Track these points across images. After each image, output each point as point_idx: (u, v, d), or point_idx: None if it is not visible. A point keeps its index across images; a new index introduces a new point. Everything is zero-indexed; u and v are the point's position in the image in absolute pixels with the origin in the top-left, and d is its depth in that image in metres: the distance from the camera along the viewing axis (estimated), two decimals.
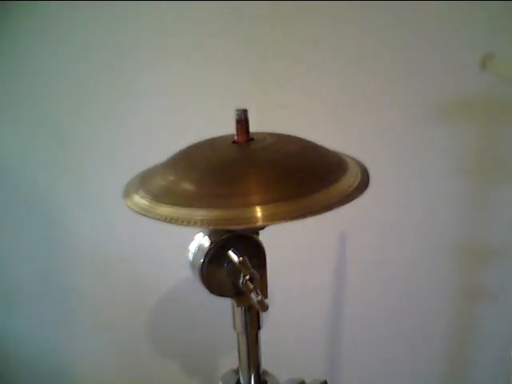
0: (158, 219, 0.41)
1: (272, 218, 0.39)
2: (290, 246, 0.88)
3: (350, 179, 0.45)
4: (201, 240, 0.47)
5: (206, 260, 0.46)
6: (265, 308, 0.44)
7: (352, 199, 0.42)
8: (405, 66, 0.79)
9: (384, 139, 0.83)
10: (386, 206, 0.87)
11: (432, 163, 0.84)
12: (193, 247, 0.48)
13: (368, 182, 0.46)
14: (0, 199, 0.90)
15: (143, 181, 0.48)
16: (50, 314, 0.97)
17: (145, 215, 0.43)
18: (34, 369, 1.01)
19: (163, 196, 0.43)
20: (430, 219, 0.87)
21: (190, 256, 0.48)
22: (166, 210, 0.41)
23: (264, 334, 0.54)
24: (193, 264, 0.48)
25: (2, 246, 0.93)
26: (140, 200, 0.45)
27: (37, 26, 0.81)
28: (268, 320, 0.54)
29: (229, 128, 0.48)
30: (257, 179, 0.42)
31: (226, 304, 0.52)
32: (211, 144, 0.49)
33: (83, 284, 0.95)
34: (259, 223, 0.39)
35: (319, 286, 0.93)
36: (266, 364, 0.56)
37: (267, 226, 0.43)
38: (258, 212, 0.39)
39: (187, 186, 0.44)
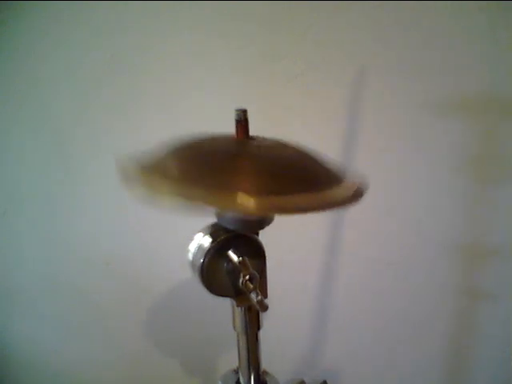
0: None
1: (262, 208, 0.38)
2: (290, 246, 0.88)
3: (344, 190, 0.44)
4: (201, 240, 0.47)
5: (206, 260, 0.46)
6: (265, 308, 0.44)
7: (347, 203, 0.42)
8: (405, 66, 0.79)
9: (384, 139, 0.83)
10: (386, 206, 0.87)
11: (432, 163, 0.84)
12: (192, 247, 0.48)
13: (361, 197, 0.45)
14: (0, 199, 0.90)
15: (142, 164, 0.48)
16: (50, 314, 0.97)
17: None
18: (34, 369, 1.01)
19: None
20: (430, 219, 0.87)
21: (190, 256, 0.48)
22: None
23: (264, 334, 0.54)
24: (193, 264, 0.48)
25: (2, 246, 0.93)
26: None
27: (37, 25, 0.81)
28: (268, 320, 0.54)
29: (229, 128, 0.48)
30: (248, 170, 0.42)
31: (225, 304, 0.52)
32: (210, 137, 0.49)
33: (83, 284, 0.95)
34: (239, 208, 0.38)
35: (319, 286, 0.93)
36: (265, 364, 0.56)
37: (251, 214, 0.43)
38: (240, 199, 0.38)
39: (174, 167, 0.44)
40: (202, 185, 0.39)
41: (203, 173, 0.41)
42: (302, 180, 0.43)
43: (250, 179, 0.41)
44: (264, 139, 0.48)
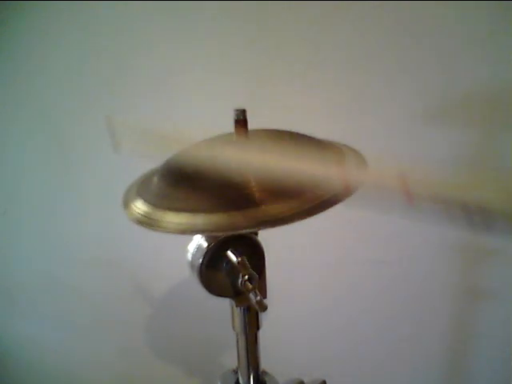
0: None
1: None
2: (289, 245, 0.88)
3: (346, 172, 0.45)
4: (199, 240, 0.47)
5: (205, 260, 0.46)
6: (264, 308, 0.44)
7: (350, 194, 0.42)
8: (405, 66, 0.79)
9: (384, 139, 0.83)
10: (386, 206, 0.86)
11: (432, 163, 0.84)
12: (191, 247, 0.48)
13: (364, 173, 0.45)
14: (0, 199, 0.90)
15: (140, 187, 0.48)
16: (50, 314, 0.97)
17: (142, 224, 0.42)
18: (34, 369, 1.01)
19: (159, 201, 0.43)
20: (430, 219, 0.87)
21: (189, 256, 0.48)
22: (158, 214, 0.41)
23: (263, 334, 0.54)
24: (191, 264, 0.48)
25: (2, 246, 0.93)
26: (138, 205, 0.45)
27: (37, 25, 0.81)
28: (267, 320, 0.54)
29: (228, 128, 0.48)
30: (248, 180, 0.42)
31: (225, 304, 0.52)
32: (206, 144, 0.49)
33: (83, 284, 0.95)
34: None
35: (318, 286, 0.93)
36: (265, 364, 0.56)
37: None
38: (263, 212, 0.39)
39: (167, 189, 0.44)
40: (218, 209, 0.39)
41: (212, 194, 0.41)
42: (306, 175, 0.43)
43: (261, 190, 0.40)
44: (260, 135, 0.48)
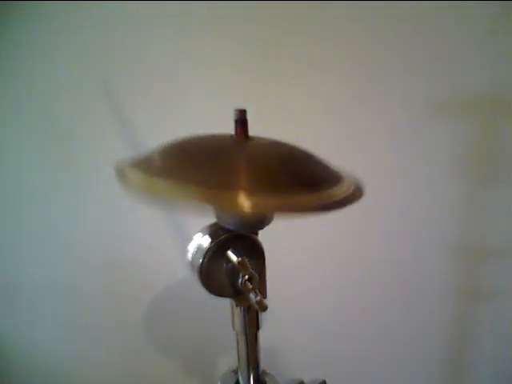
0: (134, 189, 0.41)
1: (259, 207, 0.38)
2: (289, 246, 0.88)
3: (343, 189, 0.44)
4: (200, 240, 0.47)
5: (205, 260, 0.46)
6: (263, 308, 0.44)
7: (344, 205, 0.41)
8: (405, 66, 0.79)
9: (384, 139, 0.83)
10: (386, 206, 0.86)
11: (432, 163, 0.84)
12: (192, 247, 0.48)
13: (361, 195, 0.45)
14: (0, 199, 0.90)
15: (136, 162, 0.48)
16: (50, 314, 0.97)
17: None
18: (34, 369, 1.01)
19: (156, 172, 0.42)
20: (430, 219, 0.87)
21: (189, 256, 0.48)
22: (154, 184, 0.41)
23: (263, 334, 0.54)
24: (192, 264, 0.48)
25: (2, 246, 0.93)
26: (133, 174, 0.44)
27: (37, 25, 0.81)
28: (267, 320, 0.54)
29: (228, 128, 0.48)
30: (246, 170, 0.41)
31: (225, 304, 0.52)
32: (208, 136, 0.49)
33: (83, 284, 0.95)
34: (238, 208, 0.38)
35: (319, 286, 0.93)
36: (265, 364, 0.56)
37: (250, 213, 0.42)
38: (242, 198, 0.38)
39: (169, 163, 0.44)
40: (200, 183, 0.38)
41: (201, 171, 0.41)
42: (302, 179, 0.43)
43: (250, 178, 0.40)
44: (262, 139, 0.48)
